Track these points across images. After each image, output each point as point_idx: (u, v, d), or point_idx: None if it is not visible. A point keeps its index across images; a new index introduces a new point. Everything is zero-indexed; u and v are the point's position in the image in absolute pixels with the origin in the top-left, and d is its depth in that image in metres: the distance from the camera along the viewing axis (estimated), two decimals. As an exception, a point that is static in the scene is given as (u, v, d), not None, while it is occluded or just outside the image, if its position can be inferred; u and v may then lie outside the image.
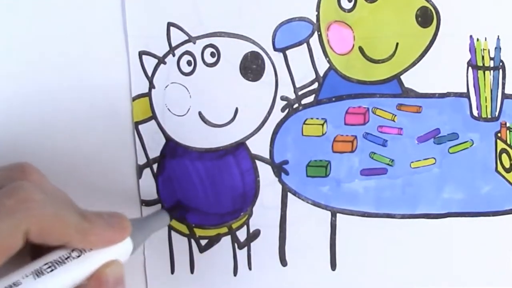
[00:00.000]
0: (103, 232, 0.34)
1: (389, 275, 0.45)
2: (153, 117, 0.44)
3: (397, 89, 0.44)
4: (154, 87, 0.44)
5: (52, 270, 0.32)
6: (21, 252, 0.32)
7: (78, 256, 0.33)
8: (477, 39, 0.43)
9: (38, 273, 0.32)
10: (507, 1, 0.43)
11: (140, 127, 0.45)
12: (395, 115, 0.44)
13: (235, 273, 0.46)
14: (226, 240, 0.46)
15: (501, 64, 0.43)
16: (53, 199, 0.33)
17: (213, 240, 0.46)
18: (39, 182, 0.34)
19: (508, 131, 0.43)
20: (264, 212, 0.45)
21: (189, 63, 0.44)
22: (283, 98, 0.44)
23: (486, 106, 0.44)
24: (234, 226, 0.45)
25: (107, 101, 0.44)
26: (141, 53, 0.44)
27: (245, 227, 0.45)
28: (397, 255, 0.45)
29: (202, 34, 0.44)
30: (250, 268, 0.46)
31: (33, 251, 0.33)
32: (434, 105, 0.44)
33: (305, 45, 0.44)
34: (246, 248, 0.45)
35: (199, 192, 0.45)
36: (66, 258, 0.33)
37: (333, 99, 0.44)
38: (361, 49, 0.43)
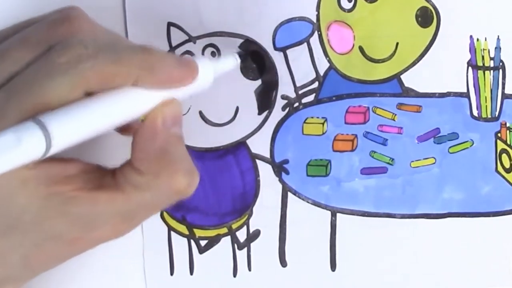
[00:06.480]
0: (172, 69, 0.32)
1: (389, 275, 0.45)
2: (154, 116, 0.44)
3: (397, 88, 0.44)
4: (154, 86, 0.44)
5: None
6: None
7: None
8: (477, 39, 0.43)
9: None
10: (507, 1, 0.43)
11: (141, 126, 0.44)
12: (395, 114, 0.44)
13: (234, 274, 0.45)
14: (226, 241, 0.45)
15: (501, 64, 0.43)
16: (108, 45, 0.31)
17: (213, 241, 0.45)
18: (90, 30, 0.32)
19: (508, 131, 0.44)
20: (264, 212, 0.45)
21: (189, 62, 0.44)
22: (283, 97, 0.44)
23: (486, 106, 0.44)
24: (234, 226, 0.45)
25: (107, 101, 0.44)
26: (141, 53, 0.44)
27: (245, 227, 0.45)
28: (397, 255, 0.45)
29: (202, 34, 0.44)
30: (249, 269, 0.45)
31: None
32: (434, 104, 0.44)
33: (305, 44, 0.44)
34: (246, 249, 0.45)
35: (199, 192, 0.45)
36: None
37: (334, 98, 0.44)
38: (361, 49, 0.44)
